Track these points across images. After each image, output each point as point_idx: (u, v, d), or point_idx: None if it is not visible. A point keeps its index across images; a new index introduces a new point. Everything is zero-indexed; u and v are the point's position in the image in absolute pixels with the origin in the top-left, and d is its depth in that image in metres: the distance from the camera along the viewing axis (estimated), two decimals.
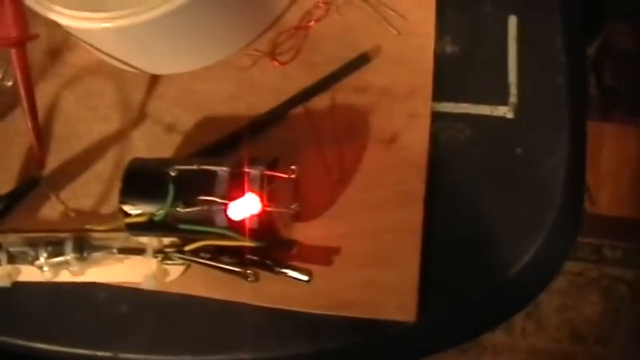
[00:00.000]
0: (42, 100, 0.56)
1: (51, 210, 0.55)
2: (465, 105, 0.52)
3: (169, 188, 0.44)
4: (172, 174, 0.44)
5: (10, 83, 0.59)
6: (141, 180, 0.47)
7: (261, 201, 0.42)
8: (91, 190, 0.55)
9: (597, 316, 1.25)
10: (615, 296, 1.25)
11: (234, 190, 0.43)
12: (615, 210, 1.25)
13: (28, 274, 0.52)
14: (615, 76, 1.26)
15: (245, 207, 0.42)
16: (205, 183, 0.44)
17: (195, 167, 0.45)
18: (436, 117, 0.52)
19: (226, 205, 0.43)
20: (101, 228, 0.49)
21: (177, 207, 0.44)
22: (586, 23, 0.58)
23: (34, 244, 0.51)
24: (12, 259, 0.52)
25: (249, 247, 0.46)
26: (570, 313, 1.25)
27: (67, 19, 0.49)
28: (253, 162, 0.44)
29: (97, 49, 0.54)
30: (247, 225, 0.43)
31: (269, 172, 0.43)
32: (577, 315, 1.25)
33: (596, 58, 1.25)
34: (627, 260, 1.27)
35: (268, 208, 0.43)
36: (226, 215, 0.43)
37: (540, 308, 1.24)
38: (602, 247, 1.27)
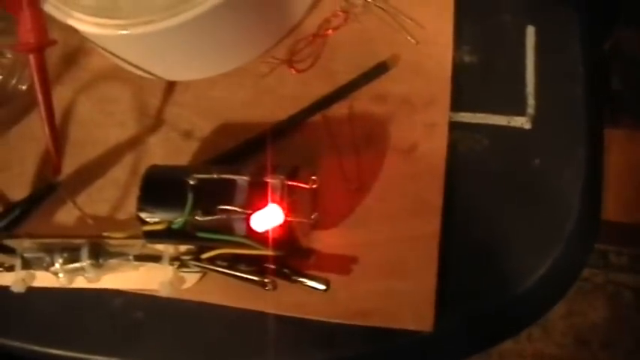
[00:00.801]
0: (58, 105, 0.55)
1: (67, 215, 0.55)
2: (483, 115, 0.52)
3: (188, 197, 0.44)
4: (191, 182, 0.44)
5: (24, 87, 0.59)
6: (159, 188, 0.47)
7: (282, 211, 0.42)
8: (107, 195, 0.55)
9: (602, 321, 1.25)
10: (620, 302, 1.25)
11: (254, 200, 0.43)
12: (621, 216, 1.24)
13: (42, 279, 0.52)
14: (623, 81, 1.26)
15: (268, 218, 0.41)
16: (225, 192, 0.44)
17: (214, 176, 0.45)
18: (454, 127, 0.52)
19: (246, 214, 0.43)
20: (118, 236, 0.49)
21: (195, 215, 0.44)
22: (599, 22, 0.58)
23: (50, 250, 0.51)
24: (27, 264, 0.51)
25: (267, 255, 0.46)
26: (575, 318, 1.25)
27: (85, 25, 0.49)
28: (273, 171, 0.44)
29: (114, 55, 0.54)
30: (267, 234, 0.43)
31: (290, 183, 0.43)
32: (582, 320, 1.25)
33: (604, 62, 1.25)
34: (633, 266, 1.26)
35: (289, 218, 0.43)
36: (245, 224, 0.43)
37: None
38: (607, 253, 1.27)
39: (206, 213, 0.44)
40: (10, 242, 0.52)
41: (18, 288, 0.51)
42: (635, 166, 1.25)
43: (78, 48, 0.59)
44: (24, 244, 0.52)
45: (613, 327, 1.24)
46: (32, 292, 0.51)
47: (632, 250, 1.27)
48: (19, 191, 0.56)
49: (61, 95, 0.57)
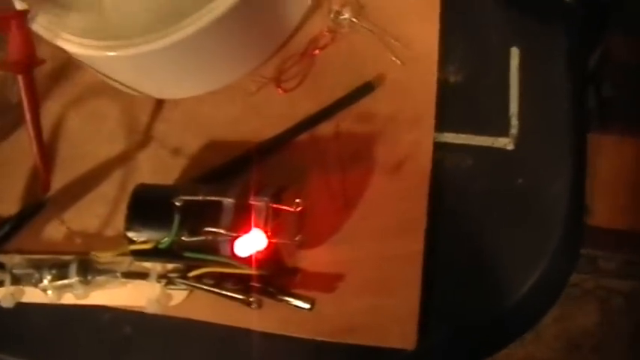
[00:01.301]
0: (46, 120, 0.56)
1: (56, 232, 0.55)
2: (467, 136, 0.53)
3: (175, 218, 0.45)
4: (178, 204, 0.45)
5: (14, 101, 0.59)
6: (146, 207, 0.47)
7: (266, 234, 0.43)
8: (95, 211, 0.55)
9: (593, 326, 1.26)
10: (611, 307, 1.26)
11: (240, 222, 0.44)
12: (611, 222, 1.24)
13: (31, 295, 0.52)
14: (614, 87, 1.26)
15: (251, 243, 0.42)
16: (211, 213, 0.45)
17: (200, 198, 0.45)
18: (438, 146, 0.52)
19: (231, 236, 0.43)
20: (106, 255, 0.49)
21: (182, 236, 0.45)
22: (586, 36, 0.58)
23: (39, 267, 0.52)
24: (16, 280, 0.52)
25: (252, 274, 0.47)
26: (567, 323, 1.26)
27: (74, 46, 0.49)
28: (259, 192, 0.45)
29: (102, 74, 0.55)
30: (252, 255, 0.44)
31: (274, 206, 0.43)
32: (573, 325, 1.26)
33: (595, 70, 1.25)
34: (622, 272, 1.27)
35: (273, 241, 0.43)
36: (230, 245, 0.44)
37: None
38: (597, 259, 1.28)
39: (192, 234, 0.45)
40: None
41: (7, 303, 0.51)
42: (624, 171, 1.26)
43: (67, 62, 0.59)
44: (13, 260, 0.53)
45: (604, 331, 1.25)
46: (22, 306, 0.52)
47: (622, 255, 1.28)
48: (8, 205, 0.56)
49: (50, 110, 0.58)
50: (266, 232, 0.43)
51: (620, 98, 1.25)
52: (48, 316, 0.54)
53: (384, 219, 0.51)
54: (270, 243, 0.43)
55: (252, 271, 0.45)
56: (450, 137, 0.53)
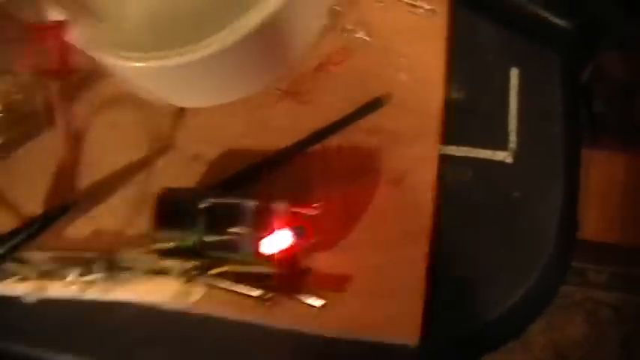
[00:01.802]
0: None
1: (79, 231, 0.57)
2: (468, 149, 0.56)
3: (200, 219, 0.48)
4: (203, 205, 0.48)
5: (40, 106, 0.62)
6: (172, 209, 0.50)
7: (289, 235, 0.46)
8: (118, 212, 0.57)
9: (581, 337, 1.27)
10: (599, 319, 1.28)
11: (261, 223, 0.47)
12: (601, 235, 1.26)
13: (55, 290, 0.54)
14: (605, 103, 1.28)
15: (276, 242, 0.45)
16: (234, 215, 0.48)
17: (224, 200, 0.48)
18: (441, 159, 0.55)
19: (253, 237, 0.47)
20: (132, 253, 0.52)
21: (206, 236, 0.48)
22: (580, 56, 0.62)
23: (63, 263, 0.54)
24: (41, 276, 0.54)
25: (267, 273, 0.50)
26: (555, 334, 1.28)
27: (104, 55, 0.52)
28: (278, 197, 0.48)
29: (127, 81, 0.58)
30: (272, 255, 0.47)
31: (294, 209, 0.47)
32: (561, 336, 1.28)
33: (587, 85, 1.27)
34: (611, 284, 1.29)
35: (295, 241, 0.46)
36: (252, 245, 0.47)
37: None
38: (587, 271, 1.30)
39: (216, 234, 0.48)
40: (25, 254, 0.55)
41: (30, 298, 0.54)
42: (615, 186, 1.27)
43: (91, 71, 0.61)
44: (39, 257, 0.55)
45: (591, 343, 1.27)
46: (44, 300, 0.54)
47: (611, 268, 1.30)
48: (33, 207, 0.58)
49: (75, 116, 0.60)
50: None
51: (611, 113, 1.27)
52: (68, 310, 0.55)
53: (389, 228, 0.54)
54: (291, 243, 0.46)
55: (271, 270, 0.48)
56: (452, 150, 0.56)
